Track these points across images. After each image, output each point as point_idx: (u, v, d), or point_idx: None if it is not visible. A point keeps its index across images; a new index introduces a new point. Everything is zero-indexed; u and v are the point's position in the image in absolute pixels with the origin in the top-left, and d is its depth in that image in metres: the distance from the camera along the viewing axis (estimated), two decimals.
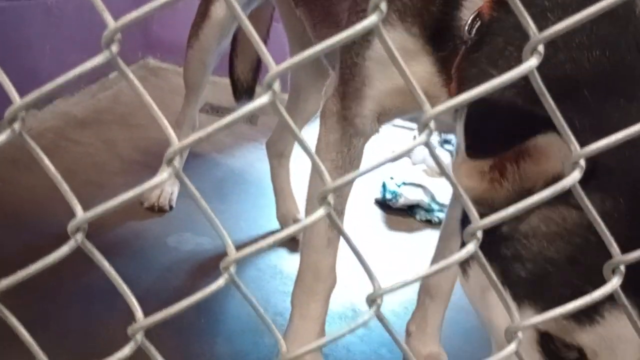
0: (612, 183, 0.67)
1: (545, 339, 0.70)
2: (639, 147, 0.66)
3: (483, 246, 0.71)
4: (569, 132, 0.44)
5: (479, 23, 0.86)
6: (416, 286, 1.41)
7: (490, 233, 0.75)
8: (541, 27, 0.40)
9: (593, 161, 0.65)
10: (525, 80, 0.41)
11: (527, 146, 0.65)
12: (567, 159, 0.63)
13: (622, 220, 0.65)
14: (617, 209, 0.66)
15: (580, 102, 0.71)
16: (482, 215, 0.72)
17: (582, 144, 0.44)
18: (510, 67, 0.79)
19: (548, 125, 0.60)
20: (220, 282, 0.44)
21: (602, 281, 0.53)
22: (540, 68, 0.41)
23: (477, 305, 0.77)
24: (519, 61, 0.75)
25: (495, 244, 0.73)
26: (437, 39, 0.93)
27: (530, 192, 0.65)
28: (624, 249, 0.48)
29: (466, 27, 0.87)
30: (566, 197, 0.66)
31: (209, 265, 1.66)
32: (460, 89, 0.87)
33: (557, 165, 0.67)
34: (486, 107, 0.61)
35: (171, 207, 1.89)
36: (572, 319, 0.66)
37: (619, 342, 0.65)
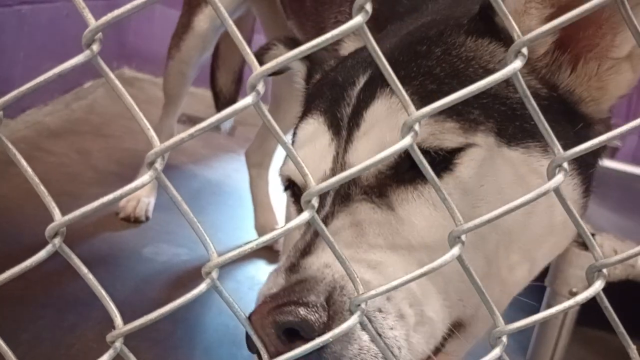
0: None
1: (284, 186, 0.80)
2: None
3: None
4: (552, 136, 0.44)
5: None
6: None
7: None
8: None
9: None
10: None
11: None
12: None
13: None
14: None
15: None
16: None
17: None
18: None
19: None
20: (202, 286, 0.43)
21: (318, 100, 0.72)
22: None
23: None
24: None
25: None
26: None
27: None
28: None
29: None
30: None
31: (185, 277, 1.63)
32: None
33: None
34: None
35: (147, 218, 1.86)
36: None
37: (311, 155, 0.69)
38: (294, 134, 0.77)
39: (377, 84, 0.67)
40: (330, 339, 0.45)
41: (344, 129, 0.68)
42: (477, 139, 0.63)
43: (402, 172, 0.65)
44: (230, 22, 0.42)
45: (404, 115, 0.59)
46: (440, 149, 0.62)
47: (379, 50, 0.43)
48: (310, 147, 0.70)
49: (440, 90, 0.65)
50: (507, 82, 0.64)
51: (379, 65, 0.44)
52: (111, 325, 0.45)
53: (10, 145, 0.41)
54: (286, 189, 0.80)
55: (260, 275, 1.72)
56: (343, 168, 0.67)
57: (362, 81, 0.70)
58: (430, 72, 0.67)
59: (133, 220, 1.82)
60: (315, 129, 0.71)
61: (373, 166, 0.47)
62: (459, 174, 0.63)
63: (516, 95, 0.66)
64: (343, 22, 0.76)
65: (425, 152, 0.62)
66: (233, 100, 1.99)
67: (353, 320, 0.47)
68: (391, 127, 0.64)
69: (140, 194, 1.85)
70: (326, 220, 0.65)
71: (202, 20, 1.68)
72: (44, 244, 0.43)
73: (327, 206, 0.66)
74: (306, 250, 0.62)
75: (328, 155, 0.69)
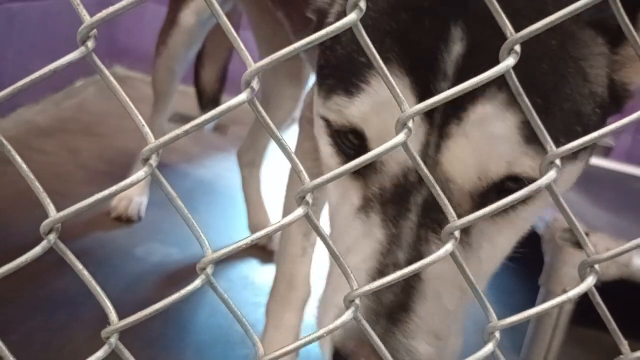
0: None
1: (333, 131, 0.65)
2: None
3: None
4: (545, 133, 0.45)
5: None
6: None
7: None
8: None
9: None
10: None
11: None
12: None
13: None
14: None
15: None
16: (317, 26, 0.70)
17: None
18: None
19: None
20: (197, 282, 0.43)
21: (378, 42, 0.53)
22: None
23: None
24: None
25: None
26: None
27: None
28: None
29: None
30: None
31: (177, 276, 1.63)
32: None
33: None
34: None
35: (140, 218, 1.85)
36: (343, 94, 0.62)
37: (389, 106, 0.56)
38: (356, 75, 0.61)
39: (482, 65, 0.55)
40: (325, 335, 0.45)
41: (438, 112, 0.57)
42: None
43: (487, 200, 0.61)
44: (224, 17, 0.42)
45: (512, 119, 0.55)
46: (529, 180, 0.60)
47: (380, 61, 0.43)
48: (392, 117, 0.59)
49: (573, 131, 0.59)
50: (591, 91, 0.62)
51: (384, 80, 0.44)
52: (102, 326, 0.45)
53: (5, 142, 0.41)
54: (337, 143, 0.66)
55: (253, 275, 1.71)
56: (436, 168, 0.59)
57: (457, 38, 0.57)
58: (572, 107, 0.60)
59: (125, 220, 1.82)
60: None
61: (364, 164, 0.47)
62: (531, 209, 0.63)
63: (589, 107, 0.62)
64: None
65: (517, 179, 0.60)
66: (216, 98, 1.99)
67: (347, 316, 0.47)
68: (498, 135, 0.57)
69: (132, 193, 1.84)
70: (419, 246, 0.58)
71: (188, 15, 1.67)
72: (32, 244, 0.42)
73: (412, 212, 0.59)
74: (404, 302, 0.57)
75: (414, 139, 0.58)
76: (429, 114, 0.58)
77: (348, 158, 0.65)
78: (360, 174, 0.64)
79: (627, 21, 0.43)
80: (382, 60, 0.57)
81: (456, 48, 0.57)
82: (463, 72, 0.57)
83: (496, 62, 0.43)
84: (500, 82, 0.56)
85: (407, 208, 0.59)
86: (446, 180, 0.59)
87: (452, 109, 0.58)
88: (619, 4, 0.41)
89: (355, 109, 0.61)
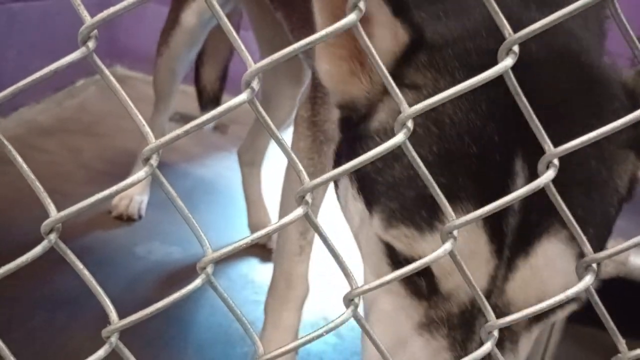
0: (442, 57, 0.63)
1: (394, 253, 0.64)
2: (463, 17, 0.65)
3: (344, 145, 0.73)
4: (543, 132, 0.45)
5: None
6: None
7: (347, 131, 0.71)
8: None
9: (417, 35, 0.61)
10: None
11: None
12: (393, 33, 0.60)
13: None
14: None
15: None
16: (346, 119, 0.69)
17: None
18: None
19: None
20: (197, 282, 0.43)
21: (448, 178, 0.58)
22: None
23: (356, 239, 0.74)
24: None
25: (351, 142, 0.70)
26: None
27: (383, 94, 0.66)
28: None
29: None
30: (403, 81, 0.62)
31: (178, 275, 1.63)
32: None
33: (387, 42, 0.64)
34: None
35: (140, 217, 1.85)
36: (412, 226, 0.61)
37: (462, 254, 0.53)
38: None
39: (547, 205, 0.54)
40: (324, 334, 0.46)
41: (507, 247, 0.60)
42: None
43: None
44: (225, 18, 0.42)
45: (572, 253, 0.59)
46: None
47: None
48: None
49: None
50: (618, 198, 0.67)
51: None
52: (103, 326, 0.45)
53: (6, 142, 0.41)
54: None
55: (253, 273, 1.72)
56: (501, 296, 0.61)
57: (519, 168, 0.59)
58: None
59: (126, 219, 1.82)
60: (473, 240, 0.59)
61: (365, 163, 0.47)
62: (566, 311, 0.67)
63: (614, 210, 0.68)
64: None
65: None
66: (217, 98, 1.99)
67: (347, 314, 0.47)
68: (559, 269, 0.61)
69: (133, 192, 1.84)
70: None
71: (190, 16, 1.67)
72: (32, 243, 0.42)
73: (476, 334, 0.61)
74: None
75: (483, 269, 0.60)
76: (499, 250, 0.60)
77: (409, 280, 0.65)
78: (422, 293, 0.64)
79: (628, 26, 0.43)
80: (455, 198, 0.58)
81: (519, 181, 0.59)
82: (527, 203, 0.58)
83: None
84: (562, 220, 0.55)
85: (473, 331, 0.62)
86: (508, 304, 0.62)
87: (520, 244, 0.60)
88: (617, 4, 0.42)
89: (429, 248, 0.60)
